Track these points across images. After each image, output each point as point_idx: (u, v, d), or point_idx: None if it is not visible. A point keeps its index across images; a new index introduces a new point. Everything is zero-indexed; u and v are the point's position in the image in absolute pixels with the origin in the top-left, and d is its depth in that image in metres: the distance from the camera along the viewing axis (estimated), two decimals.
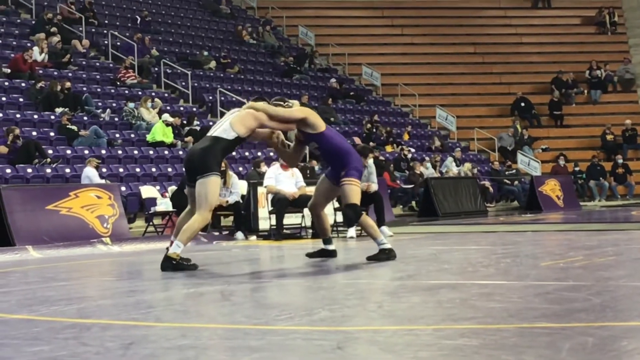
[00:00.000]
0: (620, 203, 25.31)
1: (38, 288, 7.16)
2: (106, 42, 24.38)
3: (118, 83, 22.33)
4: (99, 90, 21.54)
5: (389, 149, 25.03)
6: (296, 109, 8.66)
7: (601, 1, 35.38)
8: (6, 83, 19.72)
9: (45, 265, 9.53)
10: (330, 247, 8.99)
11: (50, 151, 16.86)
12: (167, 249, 8.32)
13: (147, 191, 15.79)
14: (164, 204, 14.66)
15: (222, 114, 19.80)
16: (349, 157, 8.57)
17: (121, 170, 17.25)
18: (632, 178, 27.38)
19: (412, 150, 24.70)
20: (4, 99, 19.03)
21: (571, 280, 6.49)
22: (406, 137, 26.92)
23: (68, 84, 19.69)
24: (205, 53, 26.81)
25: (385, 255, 8.44)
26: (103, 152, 17.70)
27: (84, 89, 20.94)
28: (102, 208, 12.62)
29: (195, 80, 24.52)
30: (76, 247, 11.47)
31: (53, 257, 10.80)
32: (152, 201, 15.15)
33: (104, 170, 16.68)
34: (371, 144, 22.77)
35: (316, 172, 18.43)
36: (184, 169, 17.55)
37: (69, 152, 17.30)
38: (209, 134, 8.50)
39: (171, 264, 8.02)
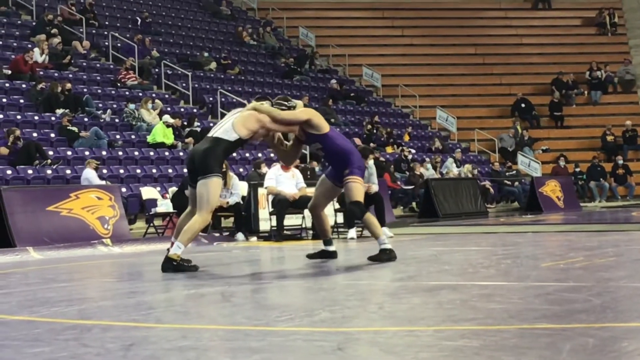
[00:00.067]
0: (621, 204, 25.32)
1: (39, 289, 7.17)
2: (107, 43, 24.39)
3: (118, 84, 22.34)
4: (99, 91, 21.55)
5: (389, 150, 25.03)
6: (300, 111, 8.65)
7: (601, 2, 35.39)
8: (7, 84, 19.73)
9: (45, 267, 9.53)
10: (331, 248, 8.99)
11: (50, 152, 16.87)
12: (168, 250, 8.32)
13: (148, 192, 15.79)
14: (165, 205, 14.66)
15: (223, 115, 19.80)
16: (351, 157, 8.61)
17: (122, 171, 17.25)
18: (633, 179, 27.38)
19: (413, 151, 24.70)
20: (4, 100, 19.04)
21: (572, 281, 6.49)
22: (406, 138, 26.93)
23: (69, 85, 19.69)
24: (206, 54, 26.82)
25: (386, 255, 8.44)
26: (104, 153, 17.71)
27: (85, 90, 20.95)
28: (102, 209, 12.62)
29: (196, 82, 24.53)
30: (77, 249, 11.47)
31: (54, 258, 10.79)
32: (153, 202, 15.15)
33: (105, 171, 16.68)
34: (371, 145, 22.78)
35: (316, 173, 18.42)
36: (185, 170, 17.57)
37: (69, 153, 17.31)
38: (209, 134, 8.48)
39: (172, 265, 8.02)
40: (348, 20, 34.33)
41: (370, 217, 8.78)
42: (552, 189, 22.21)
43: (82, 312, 5.66)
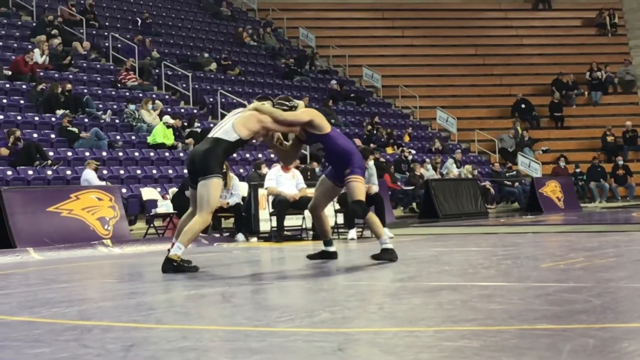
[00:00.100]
0: (621, 204, 25.32)
1: (39, 290, 7.17)
2: (107, 44, 24.40)
3: (119, 85, 22.34)
4: (99, 92, 21.56)
5: (389, 150, 25.03)
6: (302, 112, 8.64)
7: (601, 3, 35.39)
8: (7, 85, 19.73)
9: (46, 267, 9.53)
10: (331, 248, 8.99)
11: (51, 153, 16.87)
12: (169, 250, 8.32)
13: (148, 193, 15.79)
14: (165, 206, 14.66)
15: (223, 116, 19.77)
16: (352, 157, 8.63)
17: (122, 172, 17.25)
18: (633, 179, 27.39)
19: (413, 151, 24.70)
20: (4, 101, 19.05)
21: (572, 281, 6.49)
22: (407, 138, 26.93)
23: (69, 86, 19.69)
24: (206, 55, 26.83)
25: (388, 255, 8.45)
26: (104, 154, 17.71)
27: (85, 90, 20.95)
28: (102, 210, 12.62)
29: (196, 82, 24.54)
30: (77, 249, 11.47)
31: (54, 259, 10.79)
32: (153, 203, 15.15)
33: (105, 172, 16.69)
34: (372, 145, 22.79)
35: (317, 173, 18.43)
36: (185, 171, 17.57)
37: (69, 154, 17.31)
38: (209, 135, 8.47)
39: (172, 266, 8.02)
40: (348, 21, 34.34)
41: (373, 217, 8.80)
42: (552, 190, 22.22)
43: (83, 312, 5.66)
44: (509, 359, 3.68)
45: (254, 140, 10.07)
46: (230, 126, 8.26)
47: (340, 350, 4.00)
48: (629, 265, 7.84)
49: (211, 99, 23.98)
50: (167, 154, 18.89)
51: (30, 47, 21.82)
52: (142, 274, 8.98)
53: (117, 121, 20.08)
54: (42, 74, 20.75)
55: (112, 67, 23.69)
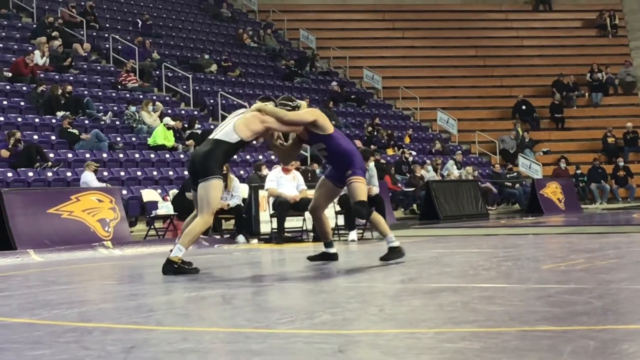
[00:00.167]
0: (622, 206, 25.31)
1: (39, 292, 7.16)
2: (107, 45, 24.41)
3: (119, 86, 22.35)
4: (100, 93, 21.56)
5: (390, 152, 25.03)
6: (306, 112, 8.64)
7: (602, 4, 35.41)
8: (7, 87, 19.73)
9: (46, 269, 9.53)
10: (332, 250, 8.99)
11: (51, 155, 16.87)
12: (171, 251, 8.31)
13: (149, 195, 15.79)
14: (165, 208, 14.66)
15: (224, 118, 19.78)
16: (354, 158, 8.64)
17: (122, 173, 17.25)
18: (634, 181, 27.39)
19: (413, 153, 24.70)
20: (5, 102, 19.05)
21: (572, 283, 6.48)
22: (407, 140, 26.93)
23: (69, 88, 19.69)
24: (206, 56, 26.84)
25: (395, 254, 8.47)
26: (104, 155, 17.71)
27: (85, 92, 20.96)
28: (103, 212, 12.62)
29: (197, 84, 24.54)
30: (77, 251, 11.46)
31: (54, 260, 10.79)
32: (154, 205, 15.15)
33: (105, 173, 16.69)
34: (372, 147, 22.80)
35: (317, 175, 18.43)
36: (186, 173, 17.56)
37: (70, 155, 17.31)
38: (210, 136, 8.47)
39: (172, 268, 8.01)
40: (349, 22, 34.34)
41: (377, 216, 8.82)
42: (553, 191, 22.22)
43: (83, 314, 5.66)
44: None
45: (255, 142, 10.08)
46: (232, 127, 8.25)
47: (341, 352, 4.00)
48: (630, 266, 7.84)
49: (211, 101, 23.99)
50: (167, 155, 18.88)
51: (30, 48, 21.82)
52: (142, 275, 8.97)
53: (117, 123, 20.08)
54: (42, 75, 20.76)
55: (112, 68, 23.69)
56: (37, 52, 21.39)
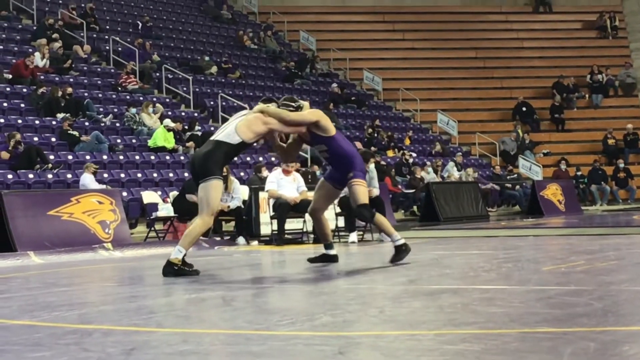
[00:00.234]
0: (622, 207, 25.30)
1: (39, 294, 7.16)
2: (107, 47, 24.41)
3: (119, 88, 22.36)
4: (100, 95, 21.57)
5: (390, 153, 25.03)
6: (309, 112, 8.64)
7: (602, 5, 35.43)
8: (8, 89, 19.74)
9: (46, 271, 9.53)
10: (332, 252, 8.99)
11: (51, 157, 16.88)
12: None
13: (149, 196, 15.80)
14: (166, 209, 14.66)
15: (224, 119, 19.84)
16: (355, 160, 8.66)
17: (122, 175, 17.25)
18: (634, 182, 27.39)
19: (414, 154, 24.70)
20: (5, 104, 19.06)
21: (573, 284, 6.48)
22: (407, 141, 26.92)
23: (69, 90, 19.71)
24: (207, 58, 26.84)
25: (403, 253, 8.51)
26: (104, 157, 17.71)
27: (86, 94, 20.97)
28: (103, 213, 12.62)
29: (197, 86, 24.55)
30: (78, 253, 11.47)
31: (54, 262, 10.79)
32: (154, 206, 15.15)
33: (105, 175, 16.70)
34: (372, 148, 22.79)
35: (317, 176, 18.43)
36: (186, 174, 17.58)
37: (70, 157, 17.31)
38: (212, 137, 8.47)
39: (173, 270, 8.01)
40: (349, 24, 34.35)
41: (380, 217, 8.84)
42: (553, 193, 22.21)
43: (83, 316, 5.66)
44: None
45: (255, 144, 10.08)
46: (233, 129, 8.23)
47: (341, 353, 3.99)
48: (630, 268, 7.83)
49: (212, 102, 23.99)
50: (167, 157, 18.89)
51: (30, 50, 21.84)
52: (142, 277, 8.98)
53: (117, 124, 20.09)
54: (42, 77, 20.77)
55: (112, 70, 23.70)
56: (37, 54, 21.40)
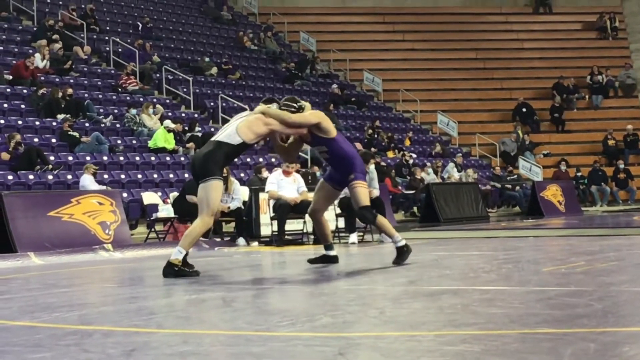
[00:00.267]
0: (622, 208, 25.29)
1: (40, 295, 7.16)
2: (108, 48, 24.42)
3: (120, 89, 22.36)
4: (100, 96, 21.58)
5: (390, 154, 25.04)
6: (310, 114, 8.64)
7: (602, 6, 35.43)
8: (8, 90, 19.75)
9: (46, 272, 9.53)
10: (332, 253, 9.00)
11: (52, 157, 16.88)
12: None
13: (149, 197, 15.80)
14: (166, 210, 14.67)
15: (224, 120, 19.84)
16: (355, 162, 8.67)
17: (123, 176, 17.26)
18: (634, 183, 27.39)
19: (414, 155, 24.71)
20: (5, 105, 19.06)
21: (573, 285, 6.48)
22: (407, 142, 26.93)
23: (70, 91, 19.72)
24: (207, 59, 26.84)
25: (405, 254, 8.53)
26: (105, 158, 17.72)
27: (86, 95, 20.97)
28: (103, 214, 12.63)
29: (197, 87, 24.55)
30: (78, 254, 11.47)
31: (55, 263, 10.80)
32: (154, 207, 15.15)
33: (106, 176, 16.70)
34: (372, 149, 22.79)
35: (317, 177, 18.43)
36: (186, 175, 17.58)
37: (70, 158, 17.32)
38: (213, 138, 8.47)
39: (173, 271, 8.01)
40: (349, 25, 34.35)
41: (382, 219, 8.86)
42: (553, 194, 22.21)
43: (83, 317, 5.66)
44: None
45: (256, 145, 10.07)
46: (234, 130, 8.23)
47: (341, 354, 4.00)
48: (630, 269, 7.83)
49: (212, 103, 24.00)
50: (168, 158, 18.89)
51: (31, 51, 21.85)
52: (143, 278, 8.98)
53: (118, 125, 20.10)
54: (42, 78, 20.77)
55: (112, 71, 23.71)
56: (37, 55, 21.42)
